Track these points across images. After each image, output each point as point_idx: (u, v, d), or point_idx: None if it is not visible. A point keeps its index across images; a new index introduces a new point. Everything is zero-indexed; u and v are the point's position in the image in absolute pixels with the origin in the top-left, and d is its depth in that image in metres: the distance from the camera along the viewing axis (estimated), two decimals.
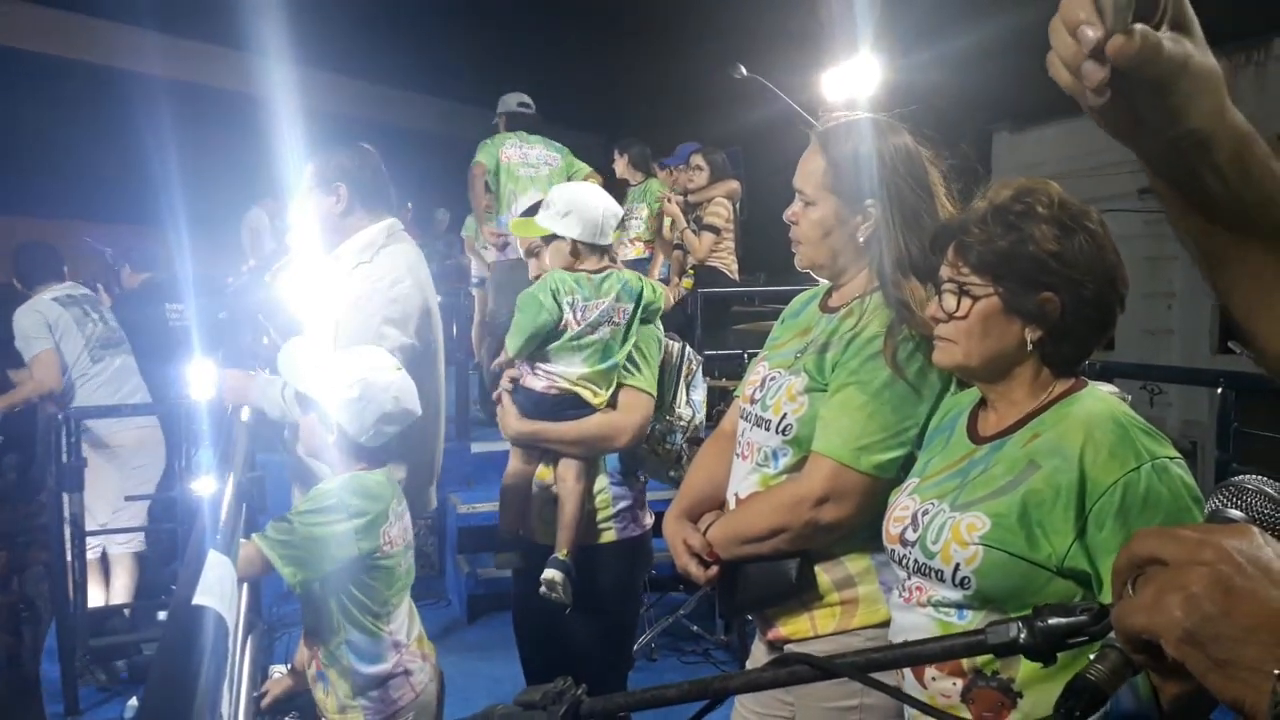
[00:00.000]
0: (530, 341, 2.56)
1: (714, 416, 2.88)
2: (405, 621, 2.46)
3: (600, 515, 2.67)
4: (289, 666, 3.32)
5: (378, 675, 2.37)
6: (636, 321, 2.65)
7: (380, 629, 2.37)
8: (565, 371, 2.60)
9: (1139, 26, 0.72)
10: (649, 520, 2.76)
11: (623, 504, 2.69)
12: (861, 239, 1.90)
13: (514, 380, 2.70)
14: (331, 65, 18.77)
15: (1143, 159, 0.84)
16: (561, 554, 2.57)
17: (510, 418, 2.67)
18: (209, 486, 2.58)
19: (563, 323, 2.56)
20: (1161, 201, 0.87)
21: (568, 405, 2.60)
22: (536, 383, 2.64)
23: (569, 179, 6.07)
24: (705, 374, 2.99)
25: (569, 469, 2.61)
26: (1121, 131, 0.82)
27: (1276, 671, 0.62)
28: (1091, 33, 0.73)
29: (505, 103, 6.53)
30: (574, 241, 2.62)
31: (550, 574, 2.54)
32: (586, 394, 2.61)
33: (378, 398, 2.37)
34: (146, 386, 5.16)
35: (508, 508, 2.72)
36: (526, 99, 6.54)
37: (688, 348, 2.84)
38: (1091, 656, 0.75)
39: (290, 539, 2.23)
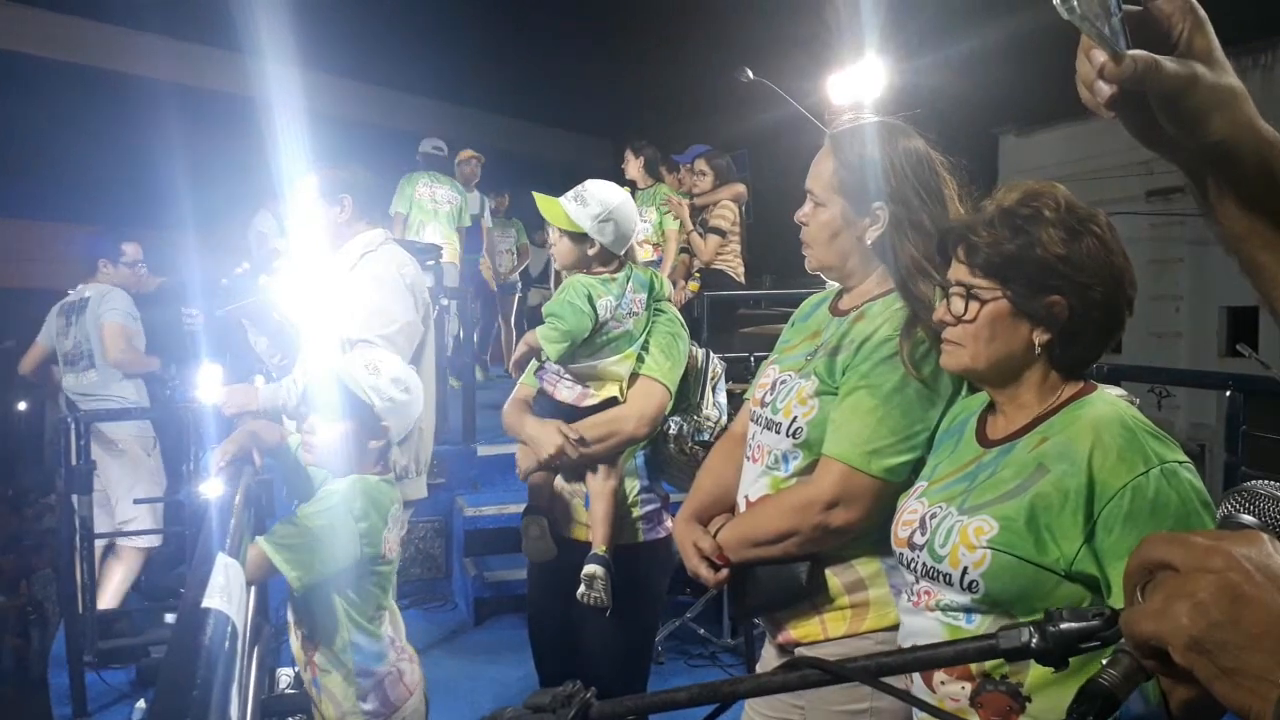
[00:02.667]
0: (571, 347, 2.58)
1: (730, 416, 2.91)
2: (391, 622, 2.48)
3: (630, 516, 2.67)
4: (295, 670, 3.32)
5: (379, 675, 2.38)
6: (652, 309, 2.72)
7: (379, 630, 2.39)
8: (597, 367, 2.63)
9: (1133, 52, 0.81)
10: (671, 524, 2.77)
11: (650, 506, 2.70)
12: (869, 241, 1.89)
13: (540, 393, 2.72)
14: (338, 69, 18.78)
15: (1180, 168, 0.91)
16: (600, 549, 2.57)
17: (525, 460, 2.70)
18: (216, 489, 2.59)
19: (597, 324, 2.60)
20: (1200, 209, 0.92)
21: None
22: (568, 394, 2.66)
23: (461, 213, 7.56)
24: None
25: (597, 467, 2.62)
26: (1152, 142, 0.88)
27: None
28: (1099, 57, 0.82)
29: (421, 146, 7.73)
30: (602, 246, 2.64)
31: (591, 568, 2.54)
32: (614, 392, 2.63)
33: (418, 398, 2.45)
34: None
35: (536, 493, 2.73)
36: (440, 143, 7.85)
37: (711, 352, 2.87)
38: (1104, 662, 0.75)
39: (295, 542, 2.23)
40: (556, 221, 2.65)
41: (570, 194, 2.66)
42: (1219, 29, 0.87)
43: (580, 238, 2.63)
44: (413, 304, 3.26)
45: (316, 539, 2.24)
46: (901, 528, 1.64)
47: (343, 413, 2.36)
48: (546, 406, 2.68)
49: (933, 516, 1.58)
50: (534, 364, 2.77)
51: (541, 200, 2.77)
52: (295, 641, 2.45)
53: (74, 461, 4.11)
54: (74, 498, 4.13)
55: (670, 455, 2.70)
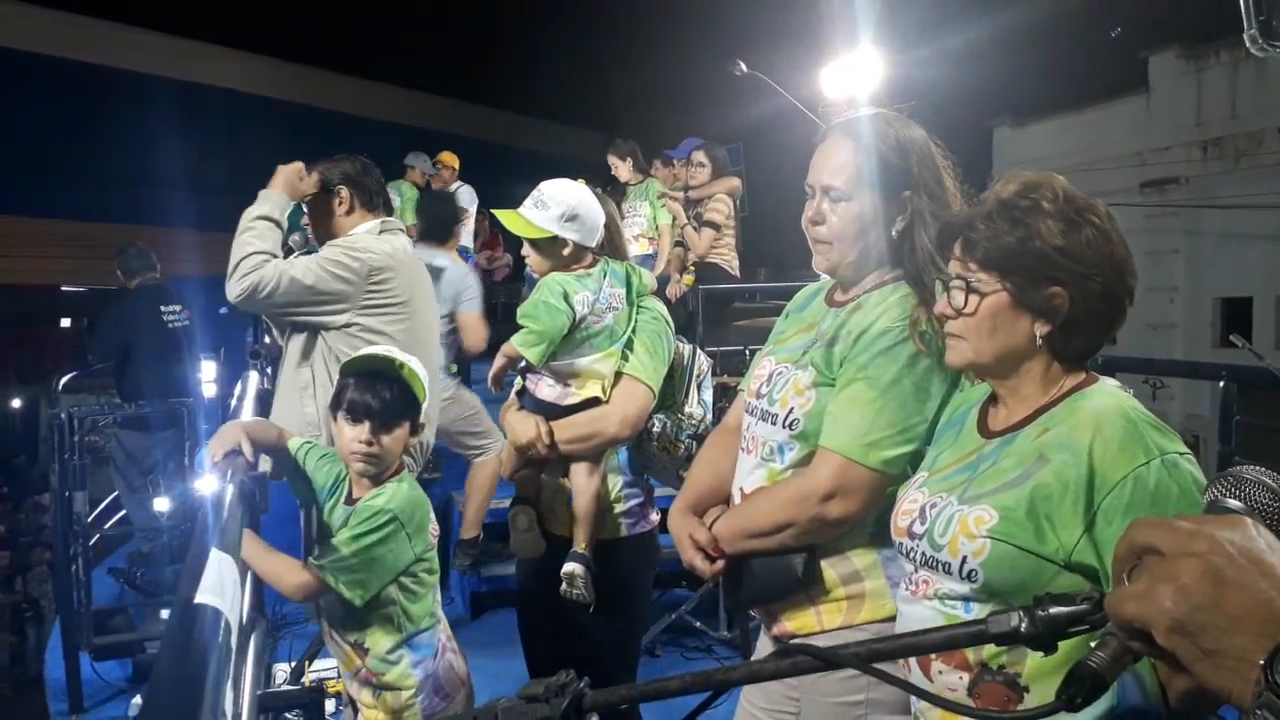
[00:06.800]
0: (550, 347, 2.56)
1: (716, 413, 2.88)
2: (436, 607, 2.49)
3: (613, 511, 2.66)
4: (292, 665, 3.32)
5: (434, 666, 2.40)
6: (634, 305, 2.69)
7: (433, 620, 2.41)
8: (576, 364, 2.61)
9: None
10: (656, 517, 2.76)
11: (634, 501, 2.69)
12: (895, 232, 1.87)
13: (524, 390, 2.71)
14: (330, 63, 18.77)
15: None
16: (580, 547, 2.56)
17: (510, 459, 2.69)
18: (211, 485, 2.58)
19: (575, 321, 2.57)
20: None
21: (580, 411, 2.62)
22: (549, 392, 2.65)
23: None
24: None
25: (580, 465, 2.60)
26: None
27: (1261, 661, 0.63)
28: None
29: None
30: (574, 244, 2.61)
31: (571, 567, 2.54)
32: (597, 391, 2.61)
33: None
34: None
35: (523, 485, 2.73)
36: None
37: (698, 350, 2.85)
38: (1093, 644, 0.75)
39: (350, 563, 2.24)
40: (522, 232, 2.60)
41: (528, 201, 2.62)
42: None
43: (550, 242, 2.60)
44: (352, 282, 3.17)
45: (370, 558, 2.26)
46: (901, 517, 1.64)
47: (402, 413, 2.37)
48: (530, 403, 2.67)
49: (933, 506, 1.58)
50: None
51: (502, 215, 2.71)
52: (343, 647, 2.41)
53: (69, 458, 4.10)
54: (68, 494, 4.12)
55: (653, 453, 2.67)
